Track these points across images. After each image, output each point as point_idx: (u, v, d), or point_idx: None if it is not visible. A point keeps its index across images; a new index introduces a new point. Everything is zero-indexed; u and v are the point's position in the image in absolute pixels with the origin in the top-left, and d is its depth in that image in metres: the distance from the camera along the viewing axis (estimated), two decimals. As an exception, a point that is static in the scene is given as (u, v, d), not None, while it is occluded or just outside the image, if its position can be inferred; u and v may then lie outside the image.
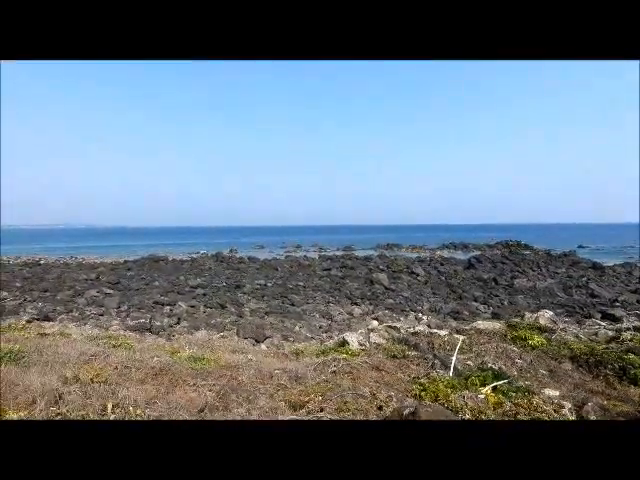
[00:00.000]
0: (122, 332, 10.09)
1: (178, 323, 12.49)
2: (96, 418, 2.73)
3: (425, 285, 21.12)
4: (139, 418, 2.98)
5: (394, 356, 5.30)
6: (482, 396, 3.38)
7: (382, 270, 25.46)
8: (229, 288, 20.52)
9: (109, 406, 2.85)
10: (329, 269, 26.49)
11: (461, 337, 5.51)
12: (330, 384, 4.15)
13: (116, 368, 4.50)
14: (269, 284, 21.57)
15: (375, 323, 7.26)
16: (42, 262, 36.12)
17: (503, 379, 3.98)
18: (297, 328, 11.79)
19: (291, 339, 10.25)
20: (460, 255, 41.07)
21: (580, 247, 47.10)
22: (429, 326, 6.78)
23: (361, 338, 5.90)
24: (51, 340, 6.06)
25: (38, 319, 12.77)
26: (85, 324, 11.63)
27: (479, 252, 42.06)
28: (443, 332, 5.88)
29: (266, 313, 13.57)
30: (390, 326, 6.75)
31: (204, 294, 18.91)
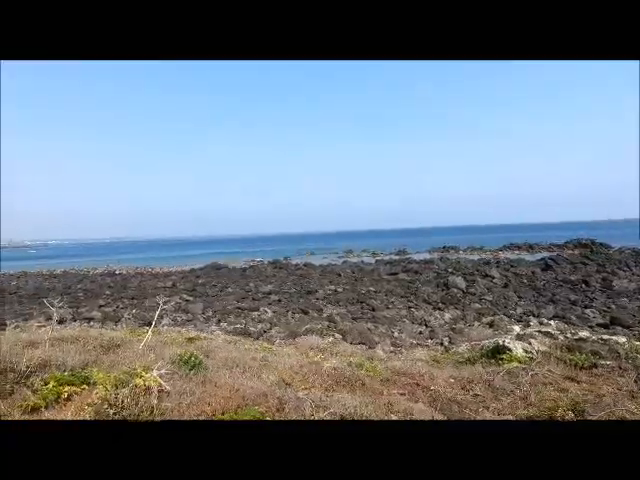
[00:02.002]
0: (230, 337, 10.38)
1: (271, 328, 12.64)
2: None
3: (506, 288, 19.83)
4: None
5: (575, 364, 4.78)
6: None
7: (451, 273, 24.37)
8: (301, 294, 20.65)
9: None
10: (395, 273, 25.88)
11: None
12: (543, 395, 3.76)
13: (296, 373, 4.45)
14: (339, 290, 21.43)
15: (517, 328, 6.71)
16: (118, 272, 39.04)
17: None
18: (396, 334, 11.42)
19: (397, 345, 9.89)
20: (527, 256, 38.43)
21: (667, 244, 42.12)
22: (592, 331, 6.12)
23: (525, 344, 5.41)
24: (201, 344, 6.23)
25: (142, 325, 13.55)
26: (187, 330, 12.10)
27: (547, 253, 39.13)
28: (622, 339, 5.23)
29: (354, 319, 13.35)
30: (541, 331, 6.19)
31: (279, 300, 19.16)
